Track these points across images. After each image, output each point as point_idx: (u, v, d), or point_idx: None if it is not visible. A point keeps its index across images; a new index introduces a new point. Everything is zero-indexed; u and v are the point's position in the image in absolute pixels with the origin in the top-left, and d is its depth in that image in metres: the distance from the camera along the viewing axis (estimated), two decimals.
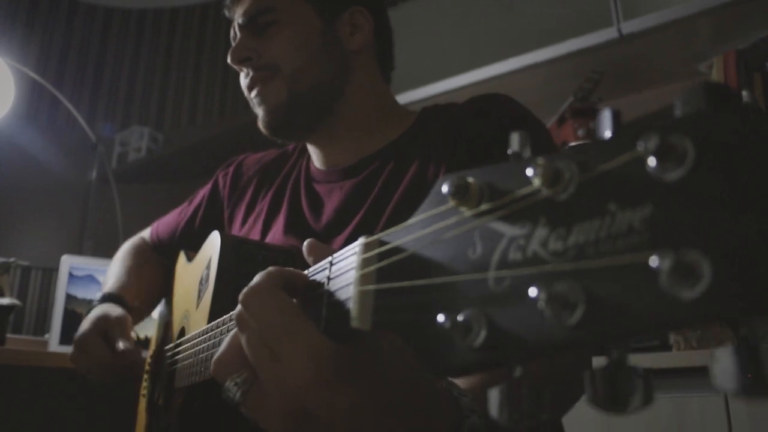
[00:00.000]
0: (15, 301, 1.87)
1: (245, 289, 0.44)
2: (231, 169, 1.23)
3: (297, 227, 1.02)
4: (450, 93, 2.03)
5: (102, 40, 2.93)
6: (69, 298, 1.97)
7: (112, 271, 1.26)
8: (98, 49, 2.92)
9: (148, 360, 1.17)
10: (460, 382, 0.49)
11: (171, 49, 3.10)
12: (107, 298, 1.14)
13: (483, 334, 0.31)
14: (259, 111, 1.01)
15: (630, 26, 1.72)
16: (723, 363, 0.25)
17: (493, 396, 0.32)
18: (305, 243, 0.51)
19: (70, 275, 1.99)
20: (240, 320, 0.44)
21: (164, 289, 1.24)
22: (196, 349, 0.86)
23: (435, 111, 1.03)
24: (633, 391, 0.27)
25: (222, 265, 0.91)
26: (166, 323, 1.18)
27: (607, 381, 0.28)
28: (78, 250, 2.43)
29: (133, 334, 1.10)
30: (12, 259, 2.02)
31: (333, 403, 0.39)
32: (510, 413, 0.31)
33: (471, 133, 0.90)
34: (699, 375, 1.36)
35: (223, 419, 0.86)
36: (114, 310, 1.08)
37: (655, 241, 0.26)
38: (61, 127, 2.67)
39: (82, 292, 2.00)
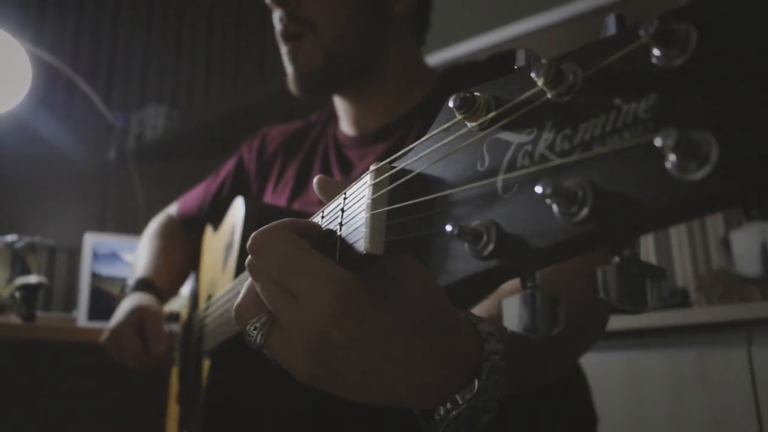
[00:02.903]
0: (42, 279, 1.90)
1: (252, 234, 0.42)
2: (256, 142, 1.22)
3: None
4: (466, 57, 2.00)
5: (113, 20, 2.94)
6: (94, 276, 2.00)
7: (141, 253, 1.25)
8: (110, 29, 2.93)
9: (179, 331, 1.19)
10: (476, 311, 0.48)
11: (182, 25, 3.10)
12: (140, 284, 1.13)
13: (493, 240, 0.31)
14: (290, 68, 0.98)
15: None
16: (741, 246, 0.24)
17: (508, 304, 0.32)
18: (315, 179, 0.50)
19: (95, 254, 2.02)
20: (251, 267, 0.43)
21: (193, 265, 1.24)
22: (221, 310, 0.87)
23: (457, 70, 1.02)
24: (647, 286, 0.27)
25: (247, 228, 0.90)
26: (195, 294, 1.19)
27: (620, 276, 0.27)
28: (101, 230, 2.47)
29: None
30: (37, 239, 2.06)
31: (356, 332, 0.38)
32: (525, 321, 0.32)
33: None
34: (721, 330, 1.36)
35: (250, 377, 0.87)
36: (148, 301, 1.08)
37: (659, 125, 0.25)
38: (78, 108, 2.68)
39: (106, 270, 2.03)
